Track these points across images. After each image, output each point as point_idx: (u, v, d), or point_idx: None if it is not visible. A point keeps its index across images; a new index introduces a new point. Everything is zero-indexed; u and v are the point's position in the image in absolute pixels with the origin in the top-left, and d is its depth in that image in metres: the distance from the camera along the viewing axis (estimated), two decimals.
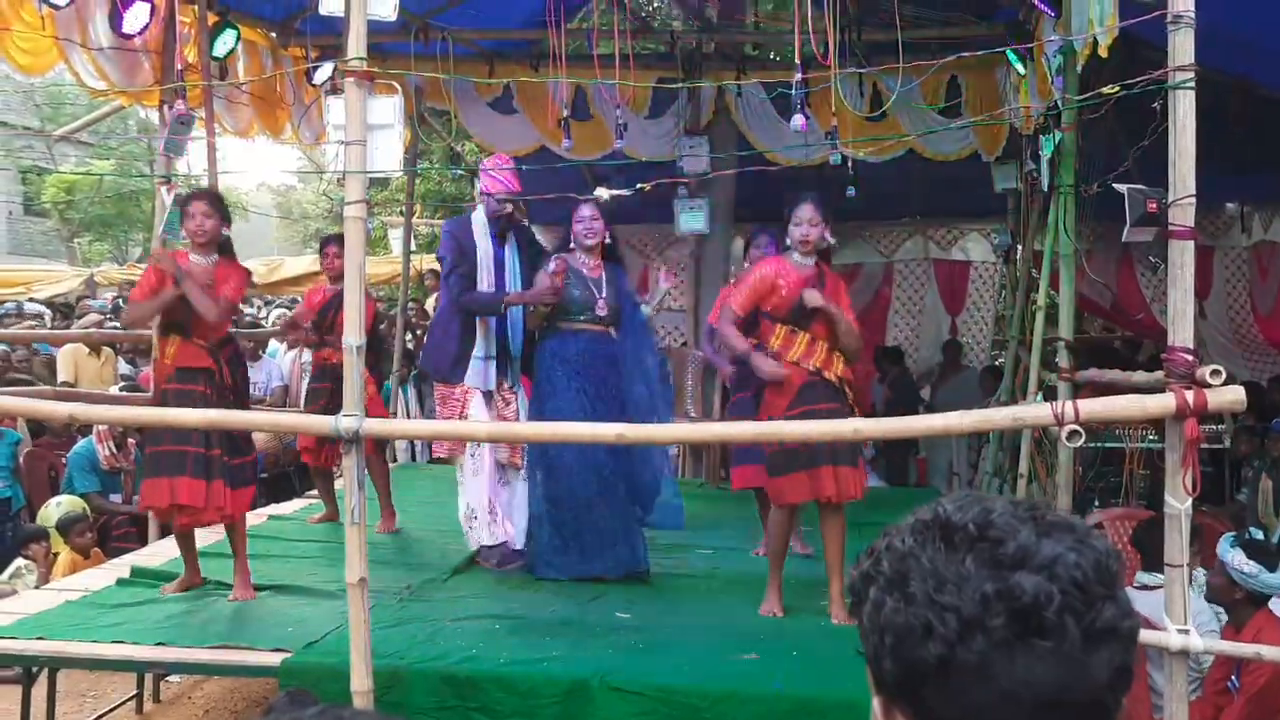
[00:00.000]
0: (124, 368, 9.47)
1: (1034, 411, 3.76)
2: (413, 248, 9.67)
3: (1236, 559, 4.09)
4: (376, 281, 11.76)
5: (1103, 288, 9.33)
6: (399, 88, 3.92)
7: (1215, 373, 3.15)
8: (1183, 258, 3.18)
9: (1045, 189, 5.73)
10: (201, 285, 4.69)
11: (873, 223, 11.11)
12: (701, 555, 5.86)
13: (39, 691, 4.60)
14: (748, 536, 5.98)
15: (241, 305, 13.92)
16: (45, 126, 19.88)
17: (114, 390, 8.00)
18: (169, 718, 5.45)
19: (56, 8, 5.51)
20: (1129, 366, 5.63)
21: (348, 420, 3.56)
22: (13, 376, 8.29)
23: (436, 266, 7.27)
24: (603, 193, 4.77)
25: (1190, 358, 3.17)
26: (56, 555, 6.35)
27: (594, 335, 5.29)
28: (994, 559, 0.88)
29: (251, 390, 8.43)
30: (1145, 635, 2.86)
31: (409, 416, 8.70)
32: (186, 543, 4.95)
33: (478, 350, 5.39)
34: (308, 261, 13.51)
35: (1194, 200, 3.16)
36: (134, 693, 5.43)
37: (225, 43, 6.62)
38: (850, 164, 6.26)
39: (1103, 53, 4.19)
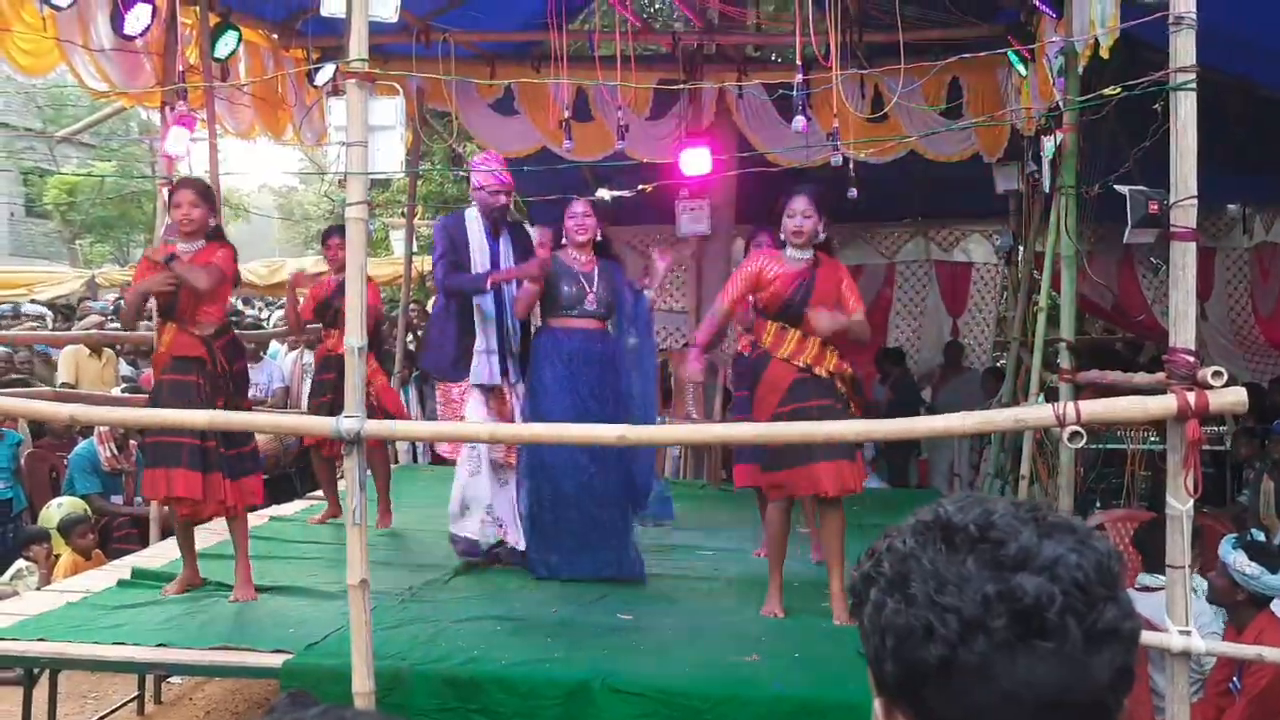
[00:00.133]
0: (125, 369, 9.47)
1: (1036, 413, 3.76)
2: (414, 249, 9.67)
3: (1238, 561, 4.09)
4: (378, 283, 11.73)
5: (1104, 289, 9.33)
6: (400, 89, 3.93)
7: (1217, 374, 3.14)
8: (1184, 259, 3.18)
9: (1047, 190, 5.73)
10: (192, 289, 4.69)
11: (874, 224, 11.11)
12: (703, 557, 5.86)
13: (40, 693, 4.60)
14: (749, 538, 5.98)
15: (242, 306, 14.01)
16: (47, 128, 19.87)
17: (115, 392, 8.01)
18: (170, 719, 5.46)
19: (58, 9, 5.51)
20: (1130, 368, 5.63)
21: (349, 421, 3.56)
22: (14, 378, 8.29)
23: None
24: (604, 193, 4.77)
25: (1191, 359, 3.17)
26: (58, 557, 6.36)
27: (586, 332, 5.30)
28: (995, 560, 0.88)
29: (253, 392, 8.46)
30: (1147, 637, 2.86)
31: (410, 417, 8.70)
32: (187, 539, 4.95)
33: (479, 344, 5.40)
34: (309, 263, 13.50)
35: (1195, 201, 3.16)
36: (135, 694, 5.43)
37: (227, 44, 6.63)
38: (851, 165, 6.25)
39: (1104, 54, 4.19)
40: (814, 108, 6.51)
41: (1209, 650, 3.61)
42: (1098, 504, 6.85)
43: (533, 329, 5.51)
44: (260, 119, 7.54)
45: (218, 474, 4.72)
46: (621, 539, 5.29)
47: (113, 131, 20.30)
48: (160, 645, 4.21)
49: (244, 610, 4.71)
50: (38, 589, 5.67)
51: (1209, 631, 4.14)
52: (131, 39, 5.96)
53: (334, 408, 4.89)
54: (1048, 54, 5.14)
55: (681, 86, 7.26)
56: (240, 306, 13.73)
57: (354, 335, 3.62)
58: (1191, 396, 3.12)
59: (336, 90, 6.15)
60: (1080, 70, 4.95)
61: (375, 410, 5.49)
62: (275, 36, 7.56)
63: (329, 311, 6.22)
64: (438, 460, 8.41)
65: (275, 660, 4.02)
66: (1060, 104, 5.07)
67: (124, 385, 8.41)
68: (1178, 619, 3.19)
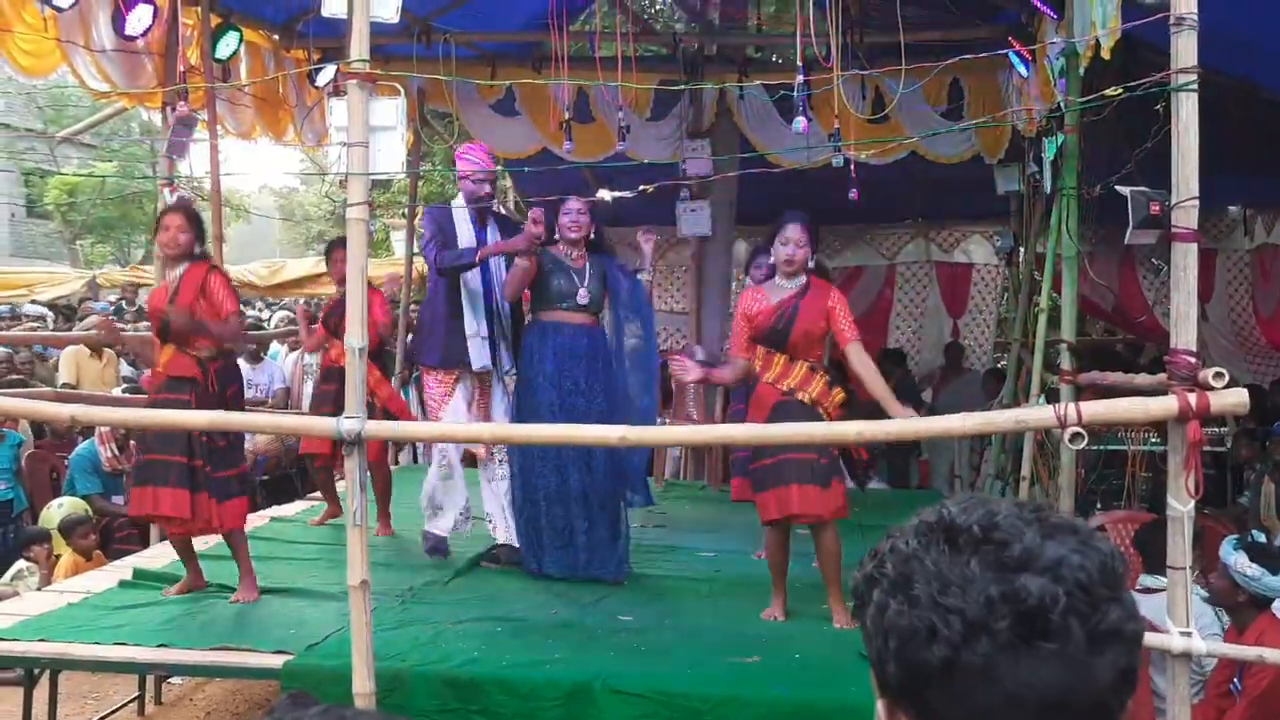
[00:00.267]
0: (126, 370, 9.47)
1: (1037, 414, 3.75)
2: (415, 250, 9.66)
3: (1239, 562, 4.08)
4: (379, 284, 11.73)
5: (1105, 290, 9.32)
6: (401, 89, 3.92)
7: (1218, 375, 3.14)
8: (1185, 260, 3.18)
9: (1047, 191, 5.73)
10: (185, 308, 4.71)
11: (875, 225, 11.11)
12: (703, 558, 5.86)
13: (41, 693, 4.60)
14: (750, 539, 5.97)
15: (243, 307, 13.99)
16: (48, 128, 19.88)
17: (116, 392, 8.00)
18: (170, 719, 5.45)
19: (59, 9, 5.51)
20: (1131, 369, 5.63)
21: (350, 422, 3.56)
22: (14, 378, 8.29)
23: None
24: (605, 194, 4.77)
25: (1193, 360, 3.17)
26: (58, 557, 6.35)
27: (575, 327, 5.31)
28: (998, 561, 0.88)
29: (254, 393, 8.47)
30: (1148, 638, 2.86)
31: (410, 418, 8.70)
32: (184, 550, 4.96)
33: (468, 328, 5.40)
34: (310, 263, 13.49)
35: (1197, 203, 3.16)
36: (136, 694, 5.43)
37: (228, 45, 6.64)
38: (852, 166, 6.25)
39: (1105, 55, 4.19)
40: (815, 109, 6.51)
41: (1210, 651, 3.60)
42: (1098, 505, 6.84)
43: (523, 318, 5.53)
44: (261, 120, 7.54)
45: (205, 494, 4.69)
46: (611, 538, 5.30)
47: (114, 132, 20.31)
48: (161, 646, 4.21)
49: (244, 611, 4.71)
50: (38, 589, 5.67)
51: (1210, 633, 4.14)
52: (133, 39, 5.96)
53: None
54: (1049, 55, 5.13)
55: (682, 87, 7.26)
56: (241, 307, 13.72)
57: (354, 336, 3.62)
58: (1192, 398, 3.12)
59: (337, 91, 6.13)
60: (1081, 71, 4.95)
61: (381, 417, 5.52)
62: (276, 37, 7.56)
63: (333, 324, 6.23)
64: None
65: (276, 661, 4.02)
66: (1061, 105, 5.06)
67: (125, 386, 8.41)
68: (1179, 620, 3.19)
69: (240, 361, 5.45)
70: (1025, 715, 0.86)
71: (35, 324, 10.96)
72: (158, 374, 4.84)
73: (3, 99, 21.20)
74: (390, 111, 3.79)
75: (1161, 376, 3.35)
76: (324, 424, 3.85)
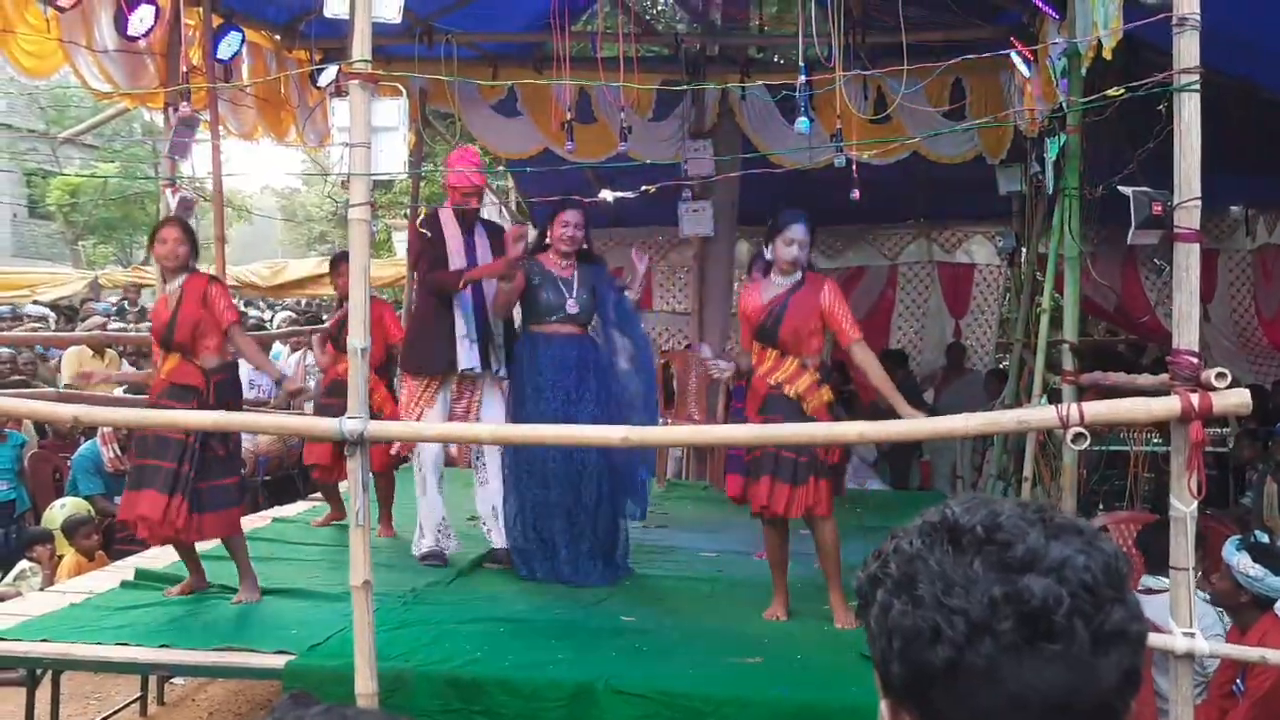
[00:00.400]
0: (128, 370, 9.47)
1: (1039, 414, 3.76)
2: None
3: (1242, 562, 4.08)
4: (380, 284, 11.75)
5: (1107, 290, 9.31)
6: (403, 90, 3.93)
7: (1220, 376, 3.14)
8: (1188, 260, 3.18)
9: (1050, 192, 5.72)
10: (189, 322, 4.76)
11: (876, 226, 11.10)
12: (705, 559, 5.86)
13: (43, 694, 4.60)
14: (751, 540, 5.96)
15: (245, 307, 14.00)
16: (50, 129, 19.90)
17: (118, 393, 8.01)
18: None
19: (61, 10, 5.52)
20: (1133, 369, 5.63)
21: (352, 423, 3.56)
22: (16, 379, 8.30)
23: None
24: (607, 194, 4.78)
25: (1195, 360, 3.16)
26: (61, 558, 6.36)
27: (567, 338, 5.30)
28: (1002, 562, 0.88)
29: (256, 393, 8.46)
30: (1150, 639, 2.85)
31: None
32: (185, 551, 4.95)
33: (459, 330, 5.39)
34: (312, 264, 13.51)
35: (1199, 203, 3.16)
36: (138, 695, 5.44)
37: (230, 45, 6.64)
38: (854, 167, 6.25)
39: (1107, 55, 4.18)
40: (817, 109, 6.51)
41: (1213, 652, 3.60)
42: (1101, 506, 6.83)
43: (516, 328, 5.53)
44: (263, 120, 7.55)
45: (180, 497, 4.64)
46: (601, 549, 5.29)
47: (116, 133, 20.30)
48: (163, 646, 4.22)
49: (247, 611, 4.71)
50: (41, 590, 5.67)
51: (1212, 634, 4.13)
52: (135, 40, 5.96)
53: None
54: (1051, 55, 5.13)
55: (684, 88, 7.26)
56: (243, 308, 13.72)
57: (356, 336, 3.62)
58: (1195, 398, 3.12)
59: (339, 91, 6.14)
60: (1083, 71, 4.95)
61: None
62: (278, 38, 7.57)
63: (340, 337, 6.22)
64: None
65: (278, 661, 4.02)
66: (1063, 105, 5.06)
67: (126, 386, 8.41)
68: (1182, 621, 3.19)
69: (241, 361, 5.44)
70: (1029, 716, 0.86)
71: (37, 324, 10.96)
72: (160, 381, 4.84)
73: (5, 99, 21.20)
74: (392, 112, 3.80)
75: (1164, 377, 3.35)
76: (326, 424, 3.86)
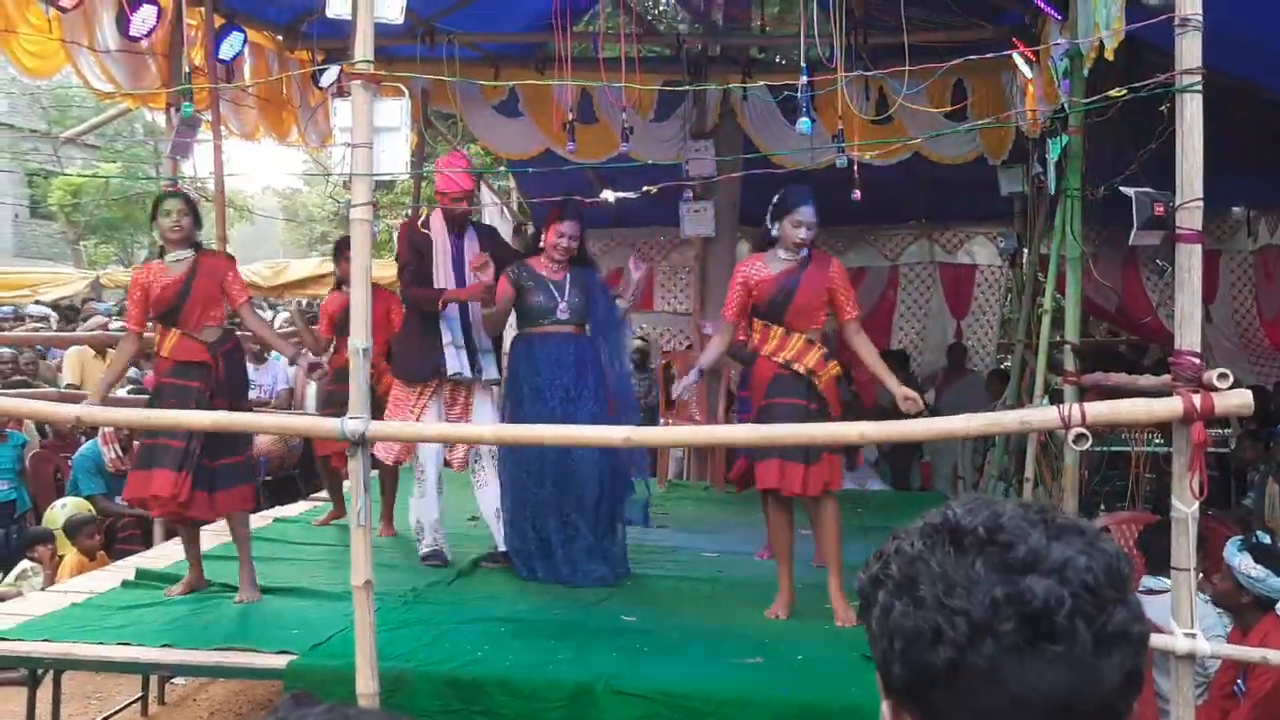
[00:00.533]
0: (131, 370, 9.47)
1: (1041, 415, 3.76)
2: None
3: (1244, 563, 4.08)
4: (383, 285, 11.74)
5: (1109, 291, 9.30)
6: (405, 90, 3.93)
7: (1222, 376, 3.14)
8: (1190, 261, 3.18)
9: (1051, 192, 5.72)
10: (204, 297, 4.77)
11: (878, 226, 11.10)
12: (706, 559, 5.86)
13: (44, 694, 4.61)
14: (752, 540, 5.97)
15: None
16: (51, 129, 19.91)
17: (121, 393, 8.01)
18: None
19: (63, 10, 5.52)
20: (1135, 370, 5.62)
21: (354, 423, 3.56)
22: (17, 379, 8.30)
23: None
24: (609, 195, 4.78)
25: (1197, 361, 3.16)
26: (62, 557, 6.36)
27: (563, 337, 5.31)
28: (1004, 563, 0.88)
29: (257, 394, 8.47)
30: (1151, 639, 2.85)
31: None
32: (191, 540, 4.96)
33: (445, 338, 5.39)
34: (313, 264, 13.49)
35: (1201, 204, 3.15)
36: (139, 695, 5.43)
37: (232, 45, 6.64)
38: (855, 167, 6.25)
39: (1109, 56, 4.18)
40: (818, 109, 6.50)
41: (1214, 653, 3.60)
42: (1102, 507, 6.83)
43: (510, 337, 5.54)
44: (265, 120, 7.55)
45: (191, 478, 4.67)
46: (598, 548, 5.29)
47: (118, 133, 20.32)
48: (164, 646, 4.22)
49: (248, 611, 4.71)
50: (42, 590, 5.67)
51: (1213, 634, 4.13)
52: (137, 40, 5.97)
53: None
54: (1053, 56, 5.13)
55: (686, 88, 7.26)
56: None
57: (359, 337, 3.63)
58: (1197, 399, 3.11)
59: (341, 92, 6.15)
60: (1085, 72, 4.95)
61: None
62: (280, 38, 7.57)
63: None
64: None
65: (279, 661, 4.02)
66: (1065, 106, 5.06)
67: (129, 386, 8.42)
68: (1183, 621, 3.18)
69: None
70: (1031, 717, 0.86)
71: (39, 324, 10.97)
72: (164, 360, 4.83)
73: (7, 100, 21.22)
74: (394, 112, 3.80)
75: (1166, 378, 3.35)
76: (328, 424, 3.86)
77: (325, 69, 7.42)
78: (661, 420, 8.28)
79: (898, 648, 0.90)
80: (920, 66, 5.46)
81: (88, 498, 7.03)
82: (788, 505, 4.74)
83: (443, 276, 5.42)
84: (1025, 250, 8.21)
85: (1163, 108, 3.27)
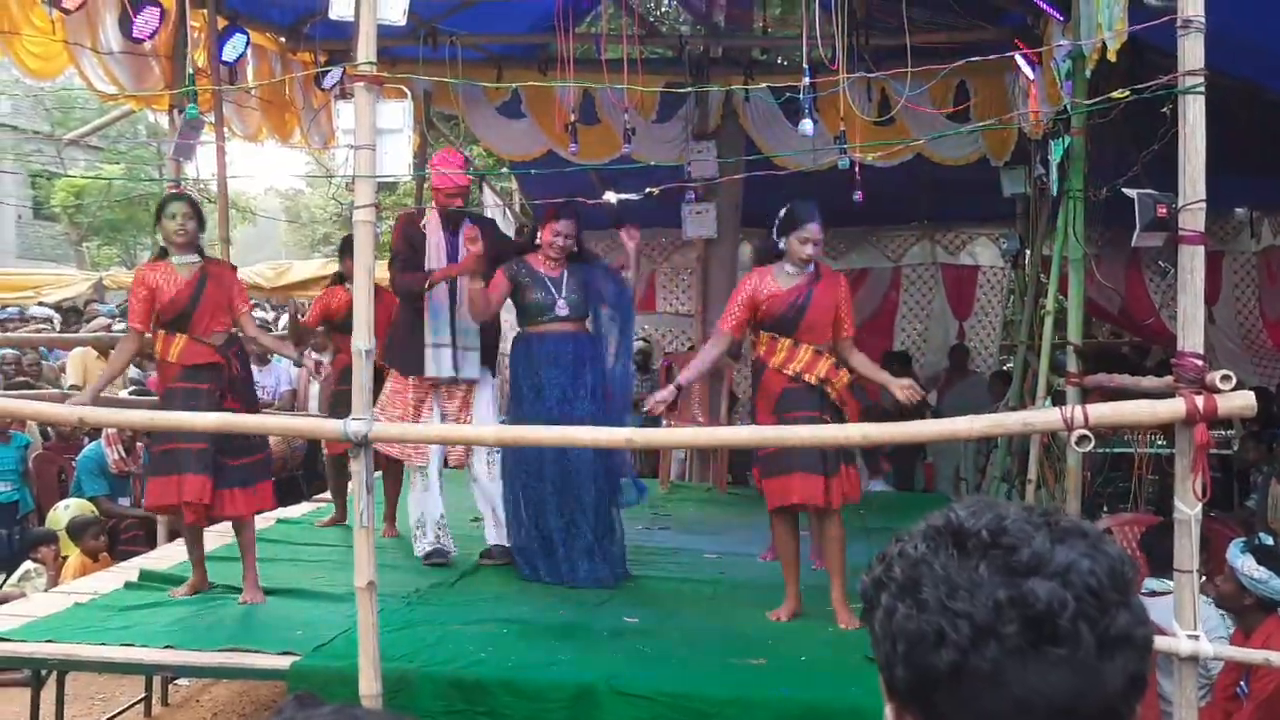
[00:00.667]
0: (133, 371, 9.47)
1: (1044, 416, 3.76)
2: None
3: (1247, 565, 4.07)
4: (387, 285, 11.76)
5: (1111, 293, 9.30)
6: (408, 92, 3.94)
7: (1225, 378, 3.14)
8: (1192, 263, 3.18)
9: (1054, 194, 5.72)
10: (214, 305, 4.80)
11: (880, 228, 11.09)
12: (708, 560, 5.86)
13: (48, 694, 4.61)
14: (754, 541, 5.97)
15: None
16: (55, 130, 19.94)
17: (123, 394, 8.02)
18: None
19: (67, 12, 5.53)
20: (1137, 372, 5.62)
21: (356, 424, 3.57)
22: (20, 380, 8.31)
23: None
24: (610, 196, 4.78)
25: (1200, 363, 3.16)
26: (65, 558, 6.37)
27: (562, 335, 5.30)
28: (1007, 565, 0.88)
29: (260, 395, 8.46)
30: (1154, 641, 2.85)
31: None
32: (195, 541, 4.96)
33: (428, 338, 5.39)
34: (316, 265, 13.53)
35: (1204, 205, 3.15)
36: (142, 695, 5.44)
37: (235, 47, 6.64)
38: (857, 169, 6.26)
39: (1111, 57, 4.18)
40: (820, 111, 6.50)
41: (1217, 655, 3.59)
42: (1105, 508, 6.83)
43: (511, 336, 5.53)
44: (268, 122, 7.56)
45: (223, 479, 4.72)
46: (598, 547, 5.28)
47: (121, 134, 20.32)
48: (167, 647, 4.22)
49: (251, 612, 4.71)
50: (45, 591, 5.68)
51: (1216, 636, 4.13)
52: (140, 42, 5.97)
53: None
54: (1055, 57, 5.13)
55: (688, 90, 7.26)
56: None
57: (361, 338, 3.63)
58: (1200, 400, 3.11)
59: (344, 93, 6.16)
60: (1087, 73, 4.94)
61: None
62: (283, 40, 7.58)
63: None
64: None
65: (283, 662, 4.02)
66: (1068, 107, 5.06)
67: (132, 387, 8.42)
68: (1186, 623, 3.18)
69: None
70: None
71: (42, 325, 10.98)
72: (170, 365, 4.80)
73: (10, 101, 21.26)
74: (397, 114, 3.80)
75: (1168, 379, 3.34)
76: (331, 426, 3.86)
77: (328, 70, 7.43)
78: (664, 422, 8.28)
79: (900, 650, 0.90)
80: (922, 68, 5.46)
81: (91, 499, 7.03)
82: (793, 514, 4.74)
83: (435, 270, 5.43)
84: (1028, 251, 8.20)
85: (1165, 109, 3.26)
